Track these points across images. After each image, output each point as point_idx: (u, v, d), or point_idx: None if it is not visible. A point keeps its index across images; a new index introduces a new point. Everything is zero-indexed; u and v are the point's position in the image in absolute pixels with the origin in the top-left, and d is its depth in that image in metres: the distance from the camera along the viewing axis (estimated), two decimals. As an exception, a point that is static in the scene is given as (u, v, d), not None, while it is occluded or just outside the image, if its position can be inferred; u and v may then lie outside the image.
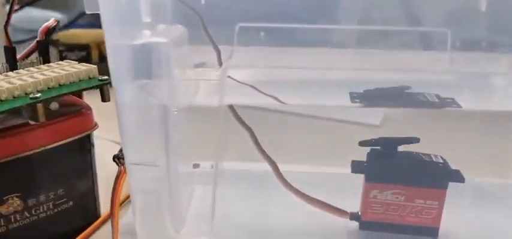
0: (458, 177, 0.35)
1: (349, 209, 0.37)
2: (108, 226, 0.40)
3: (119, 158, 0.33)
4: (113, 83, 0.30)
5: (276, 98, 0.33)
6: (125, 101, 0.30)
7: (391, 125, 0.45)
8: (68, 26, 0.89)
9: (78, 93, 0.38)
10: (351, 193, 0.38)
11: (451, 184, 0.36)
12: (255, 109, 0.50)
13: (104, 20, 0.29)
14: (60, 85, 0.35)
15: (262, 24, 0.46)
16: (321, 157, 0.46)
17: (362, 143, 0.35)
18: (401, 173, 0.35)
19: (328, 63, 0.43)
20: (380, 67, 0.40)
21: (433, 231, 0.36)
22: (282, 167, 0.38)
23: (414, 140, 0.36)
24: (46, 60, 0.40)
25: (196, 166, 0.46)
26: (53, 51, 0.84)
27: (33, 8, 0.85)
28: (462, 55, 0.45)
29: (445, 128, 0.45)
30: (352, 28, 0.48)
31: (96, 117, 0.39)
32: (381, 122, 0.48)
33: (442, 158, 0.36)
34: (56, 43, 0.85)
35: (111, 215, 0.31)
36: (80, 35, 0.87)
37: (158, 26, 0.37)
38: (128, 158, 0.31)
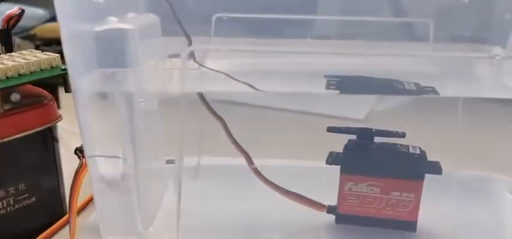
0: (435, 169, 0.34)
1: (328, 203, 0.36)
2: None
3: (81, 151, 0.32)
4: (69, 71, 0.29)
5: (250, 85, 0.32)
6: (83, 89, 0.29)
7: (375, 120, 0.44)
8: (48, 21, 0.87)
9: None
10: (331, 187, 0.36)
11: (432, 178, 0.35)
12: (232, 103, 0.49)
13: (58, 3, 0.27)
14: (20, 75, 0.33)
15: (239, 15, 0.45)
16: (302, 151, 0.45)
17: (330, 129, 0.34)
18: (376, 165, 0.34)
19: (309, 53, 0.42)
20: (361, 58, 0.39)
21: (411, 225, 0.35)
22: (260, 162, 0.37)
23: (400, 135, 0.35)
24: (8, 50, 0.38)
25: (170, 161, 0.44)
26: (30, 46, 0.82)
27: (14, 4, 0.84)
28: (445, 46, 0.44)
29: (430, 124, 0.44)
30: (334, 19, 0.47)
31: (68, 110, 0.37)
32: (365, 116, 0.47)
33: (420, 149, 0.35)
34: (33, 38, 0.83)
35: (69, 211, 0.29)
36: (57, 28, 0.85)
37: (128, 15, 0.35)
38: (87, 151, 0.29)
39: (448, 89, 0.34)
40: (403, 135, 0.34)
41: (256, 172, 0.35)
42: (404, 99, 0.54)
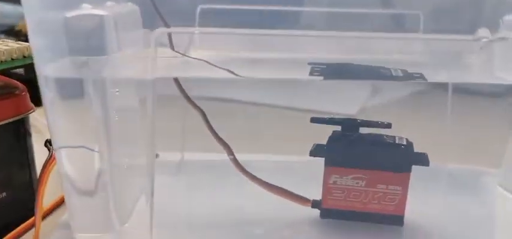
0: (422, 160, 0.33)
1: (313, 197, 0.35)
2: (47, 221, 0.37)
3: (51, 144, 0.30)
4: (35, 59, 0.27)
5: (230, 71, 0.30)
6: (49, 77, 0.27)
7: (367, 115, 0.43)
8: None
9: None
10: (316, 181, 0.35)
11: (420, 171, 0.34)
12: (217, 100, 0.48)
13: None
14: (-11, 64, 0.32)
15: (224, 6, 0.44)
16: (288, 147, 0.43)
17: (313, 120, 0.32)
18: (361, 156, 0.33)
19: (295, 45, 0.41)
20: (350, 49, 0.38)
21: (398, 219, 0.34)
22: (244, 156, 0.36)
23: (386, 125, 0.33)
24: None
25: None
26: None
27: (5, 3, 0.84)
28: (435, 37, 0.43)
29: (421, 120, 0.43)
30: (321, 11, 0.46)
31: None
32: (357, 112, 0.46)
33: (406, 140, 0.34)
34: (18, 34, 0.82)
35: (35, 207, 0.28)
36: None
37: (107, 3, 0.34)
38: (55, 142, 0.28)
39: (436, 76, 0.33)
40: (388, 125, 0.33)
41: (237, 163, 0.34)
42: (396, 95, 0.53)
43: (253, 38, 0.43)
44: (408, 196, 0.33)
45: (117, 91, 0.32)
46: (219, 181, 0.41)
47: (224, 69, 0.32)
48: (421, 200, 0.38)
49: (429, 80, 0.31)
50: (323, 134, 0.37)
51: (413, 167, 0.33)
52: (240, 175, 0.36)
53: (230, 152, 0.34)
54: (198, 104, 0.36)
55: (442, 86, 0.47)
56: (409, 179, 0.33)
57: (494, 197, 0.40)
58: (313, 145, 0.34)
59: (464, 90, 0.47)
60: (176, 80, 0.33)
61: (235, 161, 0.34)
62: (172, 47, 0.34)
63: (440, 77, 0.34)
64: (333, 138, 0.34)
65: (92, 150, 0.29)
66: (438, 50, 0.40)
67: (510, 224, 0.37)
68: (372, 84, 0.55)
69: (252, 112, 0.51)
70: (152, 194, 0.30)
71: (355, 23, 0.44)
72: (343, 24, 0.45)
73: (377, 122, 0.33)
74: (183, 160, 0.46)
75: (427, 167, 0.34)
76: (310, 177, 0.36)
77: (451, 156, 0.44)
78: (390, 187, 0.33)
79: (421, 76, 0.31)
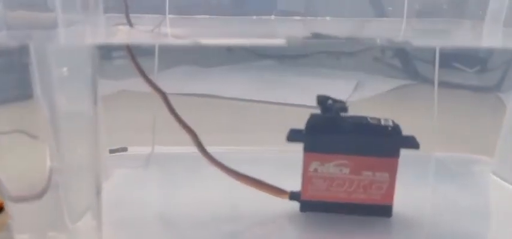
0: (411, 143, 0.30)
1: (291, 189, 0.32)
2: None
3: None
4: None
5: (194, 40, 0.27)
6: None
7: (352, 109, 0.40)
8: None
9: None
10: (295, 171, 0.32)
11: (410, 160, 0.31)
12: (194, 96, 0.45)
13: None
14: None
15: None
16: (270, 140, 0.40)
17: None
18: (344, 141, 0.30)
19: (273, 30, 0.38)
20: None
21: (386, 210, 0.31)
22: (219, 149, 0.32)
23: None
24: None
25: (114, 151, 0.39)
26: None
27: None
28: (420, 21, 0.41)
29: (407, 112, 0.41)
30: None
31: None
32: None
33: (393, 122, 0.31)
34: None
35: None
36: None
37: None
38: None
39: (422, 41, 0.30)
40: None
41: (204, 151, 0.30)
42: (381, 89, 0.51)
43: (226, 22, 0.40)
44: (397, 185, 0.30)
45: (66, 70, 0.28)
46: (190, 175, 0.38)
47: (187, 38, 0.29)
48: (411, 189, 0.35)
49: (415, 45, 0.28)
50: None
51: (402, 154, 0.30)
52: (211, 168, 0.32)
53: (196, 139, 0.30)
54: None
55: (428, 81, 0.45)
56: (397, 164, 0.29)
57: (487, 185, 0.38)
58: (290, 130, 0.31)
59: (451, 85, 0.45)
60: (129, 49, 0.29)
61: (202, 148, 0.30)
62: (129, 23, 0.31)
63: (427, 42, 0.31)
64: (312, 120, 0.30)
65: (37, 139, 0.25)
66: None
67: (504, 213, 0.34)
68: (357, 79, 0.53)
69: (231, 107, 0.49)
70: (99, 192, 0.26)
71: (334, 8, 0.42)
72: (321, 10, 0.43)
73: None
74: (154, 153, 0.43)
75: (416, 156, 0.31)
76: (289, 167, 0.33)
77: (441, 146, 0.42)
78: (377, 173, 0.30)
79: (407, 42, 0.28)
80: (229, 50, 0.49)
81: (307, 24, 0.42)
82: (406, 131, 0.31)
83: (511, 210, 0.34)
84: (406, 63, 0.51)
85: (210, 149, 0.32)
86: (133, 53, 0.29)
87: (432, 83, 0.44)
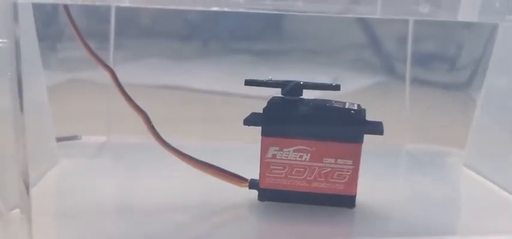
0: (375, 128, 0.28)
1: (253, 177, 0.30)
2: None
3: None
4: None
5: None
6: None
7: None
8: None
9: None
10: (256, 161, 0.30)
11: (379, 151, 0.30)
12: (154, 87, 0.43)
13: None
14: None
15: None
16: (231, 132, 0.38)
17: (247, 82, 0.27)
18: (305, 125, 0.27)
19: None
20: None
21: (349, 200, 0.29)
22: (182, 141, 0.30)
23: (334, 87, 0.28)
24: None
25: (61, 139, 0.36)
26: None
27: None
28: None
29: (382, 106, 0.40)
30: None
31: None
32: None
33: (358, 106, 0.29)
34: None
35: None
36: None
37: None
38: None
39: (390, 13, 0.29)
40: (337, 87, 0.28)
41: (156, 134, 0.28)
42: (360, 84, 0.49)
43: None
44: (363, 176, 0.28)
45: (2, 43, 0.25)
46: (146, 164, 0.36)
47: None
48: (381, 181, 0.34)
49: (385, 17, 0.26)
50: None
51: (369, 144, 0.28)
52: (171, 157, 0.30)
53: (147, 120, 0.28)
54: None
55: (403, 78, 0.44)
56: (360, 151, 0.27)
57: (459, 177, 0.36)
58: (250, 114, 0.29)
59: (425, 83, 0.44)
60: (67, 9, 0.26)
61: (153, 131, 0.28)
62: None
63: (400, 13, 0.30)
64: (272, 103, 0.28)
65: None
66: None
67: (475, 204, 0.33)
68: (334, 76, 0.52)
69: (204, 100, 0.47)
70: (27, 185, 0.24)
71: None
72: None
73: (324, 83, 0.28)
74: (109, 142, 0.40)
75: (389, 148, 0.29)
76: (251, 157, 0.30)
77: (412, 137, 0.41)
78: (339, 160, 0.28)
79: (375, 13, 0.26)
80: (205, 44, 0.48)
81: (277, 6, 0.40)
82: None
83: (481, 201, 0.33)
84: (384, 61, 0.51)
85: (177, 140, 0.30)
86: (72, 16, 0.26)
87: (410, 80, 0.44)
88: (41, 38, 0.33)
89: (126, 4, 0.27)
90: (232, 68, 0.51)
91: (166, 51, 0.45)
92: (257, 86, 0.28)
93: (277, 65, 0.48)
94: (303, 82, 0.28)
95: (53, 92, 0.36)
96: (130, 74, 0.45)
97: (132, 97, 0.29)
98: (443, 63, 0.45)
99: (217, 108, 0.45)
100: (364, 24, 0.45)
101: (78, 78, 0.41)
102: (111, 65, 0.42)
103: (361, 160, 0.28)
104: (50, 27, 0.38)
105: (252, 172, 0.30)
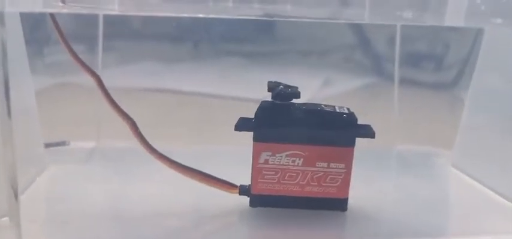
0: (367, 132, 0.28)
1: (243, 183, 0.29)
2: None
3: None
4: None
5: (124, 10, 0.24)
6: None
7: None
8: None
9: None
10: (245, 166, 0.30)
11: (369, 153, 0.30)
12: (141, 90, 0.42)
13: None
14: None
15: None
16: (224, 137, 0.38)
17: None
18: (297, 129, 0.27)
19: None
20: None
21: (341, 203, 0.29)
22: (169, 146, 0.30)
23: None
24: None
25: (50, 145, 0.36)
26: None
27: None
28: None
29: (373, 108, 0.41)
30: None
31: None
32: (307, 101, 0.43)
33: (348, 109, 0.29)
34: None
35: None
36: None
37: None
38: None
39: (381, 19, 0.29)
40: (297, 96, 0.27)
41: (144, 141, 0.27)
42: (351, 85, 0.50)
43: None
44: (353, 179, 0.28)
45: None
46: (136, 169, 0.36)
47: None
48: (370, 182, 0.34)
49: (372, 22, 0.26)
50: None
51: (360, 148, 0.28)
52: (159, 163, 0.30)
53: (134, 128, 0.27)
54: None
55: (392, 78, 0.45)
56: (353, 154, 0.28)
57: (447, 178, 0.37)
58: (239, 118, 0.29)
59: (412, 83, 0.45)
60: (53, 18, 0.26)
61: (141, 138, 0.27)
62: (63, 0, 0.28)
63: (387, 18, 0.30)
64: (263, 108, 0.28)
65: None
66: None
67: (463, 204, 0.33)
68: (325, 77, 0.52)
69: (194, 103, 0.46)
70: (16, 193, 0.23)
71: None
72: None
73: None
74: (98, 147, 0.40)
75: (378, 149, 0.30)
76: (240, 163, 0.30)
77: (401, 139, 0.41)
78: (332, 164, 0.28)
79: (363, 19, 0.26)
80: (196, 46, 0.47)
81: (265, 10, 0.40)
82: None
83: (469, 202, 0.33)
84: (375, 62, 0.51)
85: (167, 145, 0.30)
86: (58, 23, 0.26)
87: (398, 81, 0.44)
88: (28, 41, 0.32)
89: (115, 13, 0.26)
90: (223, 71, 0.51)
91: (157, 53, 0.45)
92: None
93: (269, 67, 0.49)
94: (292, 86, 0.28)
95: (40, 97, 0.35)
96: (119, 77, 0.44)
97: (122, 101, 0.29)
98: (431, 62, 0.45)
99: (208, 111, 0.45)
100: (354, 26, 0.45)
101: (67, 82, 0.40)
102: (99, 67, 0.42)
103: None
104: (37, 30, 0.37)
105: (246, 176, 0.29)
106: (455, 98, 0.43)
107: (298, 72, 0.47)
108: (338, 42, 0.46)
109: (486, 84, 0.37)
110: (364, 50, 0.47)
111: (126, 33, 0.43)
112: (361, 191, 0.31)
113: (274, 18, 0.27)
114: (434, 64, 0.45)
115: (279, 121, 0.28)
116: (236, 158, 0.31)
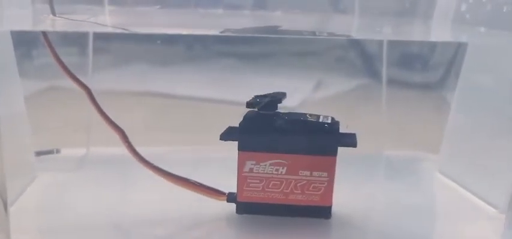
0: (349, 141, 0.28)
1: (231, 190, 0.30)
2: None
3: None
4: None
5: (122, 28, 0.25)
6: None
7: (310, 108, 0.39)
8: None
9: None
10: (233, 173, 0.30)
11: (354, 158, 0.30)
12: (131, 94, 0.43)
13: None
14: None
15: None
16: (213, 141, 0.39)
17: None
18: (280, 138, 0.28)
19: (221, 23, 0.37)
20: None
21: (325, 211, 0.29)
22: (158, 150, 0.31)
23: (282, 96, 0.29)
24: None
25: (40, 153, 0.36)
26: None
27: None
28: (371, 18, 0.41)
29: (366, 113, 0.42)
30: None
31: None
32: (299, 104, 0.44)
33: (332, 119, 0.29)
34: None
35: None
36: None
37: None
38: None
39: (369, 34, 0.29)
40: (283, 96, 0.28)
41: (133, 151, 0.28)
42: (343, 87, 0.50)
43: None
44: (340, 184, 0.29)
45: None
46: (126, 177, 0.36)
47: (116, 27, 0.27)
48: (355, 188, 0.34)
49: (355, 37, 0.27)
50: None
51: (346, 154, 0.29)
52: (146, 170, 0.30)
53: (124, 137, 0.28)
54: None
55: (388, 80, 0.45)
56: (335, 163, 0.28)
57: (433, 183, 0.37)
58: (226, 128, 0.29)
59: (399, 84, 0.45)
60: (45, 36, 0.27)
61: (130, 148, 0.28)
62: (53, 12, 0.28)
63: (373, 35, 0.30)
64: (248, 118, 0.29)
65: None
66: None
67: (448, 211, 0.34)
68: (318, 79, 0.53)
69: (187, 106, 0.47)
70: (5, 205, 0.24)
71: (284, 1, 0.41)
72: (270, 3, 0.42)
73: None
74: (89, 155, 0.40)
75: (363, 154, 0.30)
76: (231, 167, 0.31)
77: (387, 144, 0.42)
78: (315, 173, 0.28)
79: (348, 36, 0.27)
80: (189, 48, 0.48)
81: (256, 19, 0.41)
82: (359, 130, 0.30)
83: (455, 208, 0.33)
84: (367, 63, 0.52)
85: (157, 149, 0.31)
86: (51, 41, 0.26)
87: (391, 82, 0.45)
88: (17, 44, 0.32)
89: (108, 30, 0.27)
90: (216, 73, 0.51)
91: (148, 55, 0.46)
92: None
93: (261, 69, 0.49)
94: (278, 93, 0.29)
95: (30, 102, 0.35)
96: (110, 80, 0.45)
97: (112, 104, 0.30)
98: (418, 64, 0.46)
99: (200, 114, 0.46)
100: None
101: (57, 86, 0.41)
102: (89, 71, 0.43)
103: (337, 168, 0.29)
104: (26, 33, 0.38)
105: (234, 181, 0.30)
106: (442, 99, 0.43)
107: (292, 75, 0.48)
108: (330, 44, 0.46)
109: (472, 86, 0.37)
110: (355, 51, 0.47)
111: (117, 34, 0.43)
112: (347, 197, 0.31)
113: (264, 35, 0.27)
114: (421, 64, 0.45)
115: (263, 130, 0.28)
116: (227, 162, 0.31)
